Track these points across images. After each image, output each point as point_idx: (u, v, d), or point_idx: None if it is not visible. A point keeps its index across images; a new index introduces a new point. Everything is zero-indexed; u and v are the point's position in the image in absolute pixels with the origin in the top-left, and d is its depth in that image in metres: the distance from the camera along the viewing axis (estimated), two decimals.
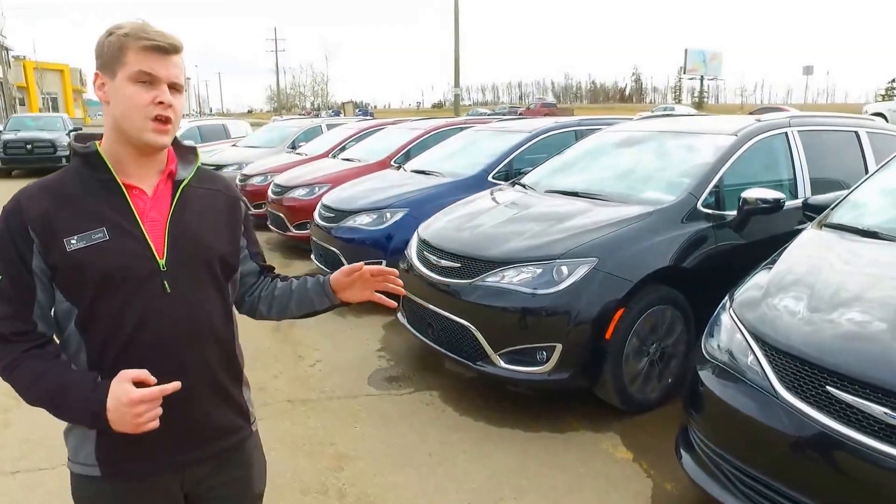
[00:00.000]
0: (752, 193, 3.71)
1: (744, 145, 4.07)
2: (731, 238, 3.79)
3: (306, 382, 4.20)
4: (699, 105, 55.86)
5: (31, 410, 1.38)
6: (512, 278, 3.49)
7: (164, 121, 1.26)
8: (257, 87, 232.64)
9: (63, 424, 1.36)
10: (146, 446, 1.28)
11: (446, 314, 3.74)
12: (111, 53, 1.25)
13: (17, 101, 50.16)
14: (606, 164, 4.82)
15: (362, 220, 5.67)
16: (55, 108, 49.54)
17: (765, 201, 3.67)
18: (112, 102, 1.27)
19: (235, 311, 1.52)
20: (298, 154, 10.89)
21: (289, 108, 72.42)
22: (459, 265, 3.75)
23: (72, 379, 1.24)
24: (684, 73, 67.06)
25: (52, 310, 1.29)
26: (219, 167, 12.04)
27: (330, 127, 13.04)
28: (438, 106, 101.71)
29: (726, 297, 2.82)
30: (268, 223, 8.65)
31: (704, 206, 3.77)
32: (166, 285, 1.29)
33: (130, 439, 1.22)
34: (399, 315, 4.52)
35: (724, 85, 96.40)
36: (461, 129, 8.65)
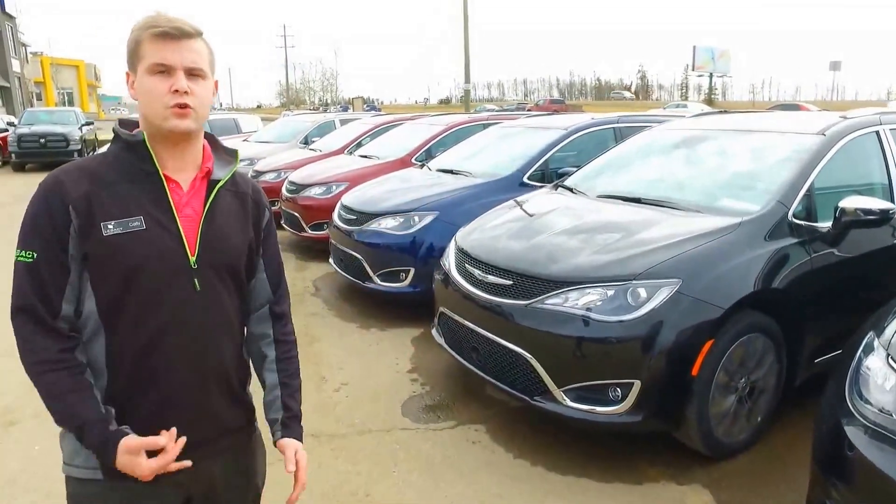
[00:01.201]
0: (852, 203, 3.14)
1: (834, 146, 3.47)
2: (826, 254, 3.21)
3: (332, 412, 3.65)
4: (709, 102, 54.97)
5: None
6: (577, 301, 2.93)
7: (183, 106, 1.23)
8: (266, 82, 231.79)
9: None
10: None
11: (497, 339, 3.19)
12: (131, 49, 1.26)
13: (34, 95, 50.14)
14: (667, 167, 4.24)
15: (387, 224, 5.11)
16: (70, 103, 49.33)
17: (869, 212, 3.09)
18: (139, 98, 1.26)
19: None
20: (312, 150, 10.33)
21: (297, 103, 71.77)
22: (511, 282, 3.19)
23: (88, 418, 1.21)
24: (692, 70, 66.02)
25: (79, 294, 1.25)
26: None
27: (343, 122, 12.48)
28: (445, 102, 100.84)
29: (870, 334, 2.19)
30: (282, 222, 8.11)
31: (795, 217, 3.20)
32: (197, 283, 1.28)
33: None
34: (434, 332, 3.97)
35: (730, 82, 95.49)
36: (484, 125, 8.10)
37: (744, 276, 2.94)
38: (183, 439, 1.23)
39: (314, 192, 7.38)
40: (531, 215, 3.87)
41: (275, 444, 1.47)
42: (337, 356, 4.48)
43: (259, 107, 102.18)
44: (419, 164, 7.02)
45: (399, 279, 5.00)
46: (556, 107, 41.46)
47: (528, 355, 3.00)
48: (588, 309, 2.86)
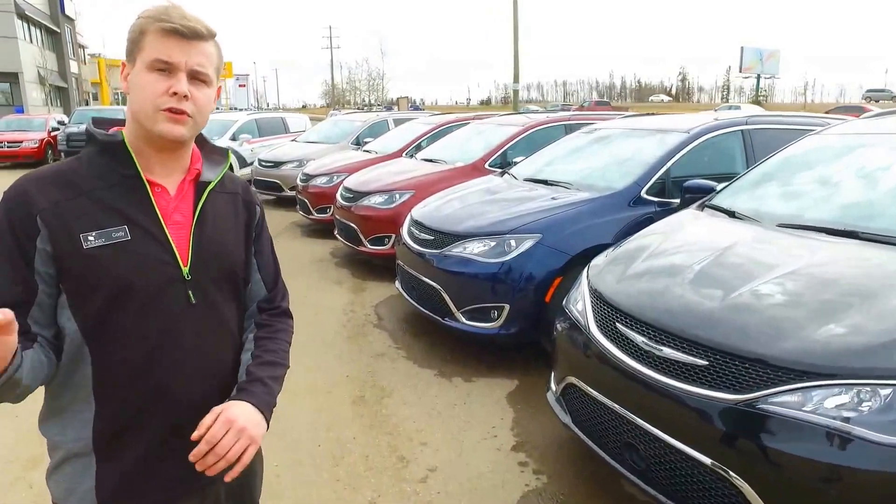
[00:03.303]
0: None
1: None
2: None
3: None
4: (758, 103, 52.37)
5: None
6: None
7: (179, 112, 1.08)
8: (312, 83, 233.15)
9: None
10: (161, 475, 1.13)
11: (678, 445, 2.07)
12: (133, 39, 1.11)
13: (91, 96, 50.89)
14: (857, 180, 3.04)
15: (474, 248, 4.01)
16: (123, 103, 49.83)
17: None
18: (130, 92, 1.11)
19: None
20: (366, 152, 9.32)
21: (342, 103, 71.26)
22: (708, 363, 2.06)
23: None
24: (740, 71, 63.02)
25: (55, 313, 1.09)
26: (277, 164, 10.63)
27: (397, 122, 11.45)
28: (486, 103, 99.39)
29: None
30: (335, 233, 7.11)
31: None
32: (191, 296, 1.14)
33: (141, 468, 1.11)
34: (553, 402, 2.93)
35: (771, 84, 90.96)
36: (565, 126, 6.96)
37: None
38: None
39: (374, 200, 6.34)
40: (703, 250, 2.72)
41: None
42: (415, 421, 3.41)
43: (304, 107, 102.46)
44: (497, 171, 5.92)
45: (489, 318, 3.90)
46: (602, 108, 39.88)
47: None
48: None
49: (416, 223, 4.64)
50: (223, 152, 1.28)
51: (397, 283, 4.92)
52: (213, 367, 1.18)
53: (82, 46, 50.57)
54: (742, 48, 60.65)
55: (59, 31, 43.97)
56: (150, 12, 1.09)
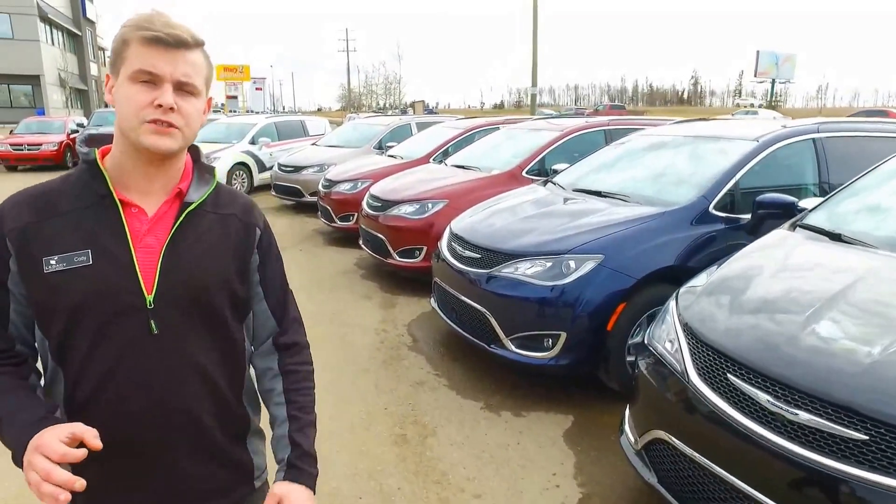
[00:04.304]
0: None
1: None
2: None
3: None
4: (774, 107, 51.40)
5: None
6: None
7: (163, 124, 1.02)
8: (328, 86, 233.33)
9: None
10: None
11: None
12: (116, 49, 1.03)
13: None
14: None
15: (527, 269, 3.59)
16: None
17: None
18: (116, 106, 1.04)
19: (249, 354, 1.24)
20: (391, 157, 8.92)
21: (357, 107, 70.96)
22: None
23: (27, 405, 1.02)
24: (755, 75, 62.04)
25: (33, 332, 1.09)
26: (297, 168, 10.27)
27: (421, 126, 11.05)
28: (500, 107, 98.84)
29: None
30: (360, 243, 6.72)
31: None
32: (153, 325, 1.05)
33: (100, 495, 1.04)
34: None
35: (785, 88, 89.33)
36: (605, 132, 6.53)
37: None
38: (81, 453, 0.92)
39: (404, 210, 5.94)
40: (822, 285, 2.28)
41: (272, 485, 1.17)
42: (465, 466, 2.99)
43: (319, 110, 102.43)
44: (537, 179, 5.49)
45: (542, 347, 3.48)
46: (616, 112, 39.33)
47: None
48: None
49: (458, 238, 4.22)
50: (210, 170, 1.18)
51: (434, 302, 4.50)
52: (170, 404, 1.08)
53: (102, 49, 50.71)
54: (758, 52, 59.72)
55: (80, 33, 44.15)
56: (132, 21, 1.02)
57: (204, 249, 1.11)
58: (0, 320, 1.05)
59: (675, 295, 2.63)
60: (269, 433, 1.27)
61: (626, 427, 2.61)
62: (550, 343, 3.46)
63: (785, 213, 3.55)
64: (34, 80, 35.99)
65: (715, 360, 2.10)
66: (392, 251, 5.93)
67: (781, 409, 1.81)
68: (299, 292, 6.03)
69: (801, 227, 2.94)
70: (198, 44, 1.05)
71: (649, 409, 2.40)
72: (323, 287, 6.02)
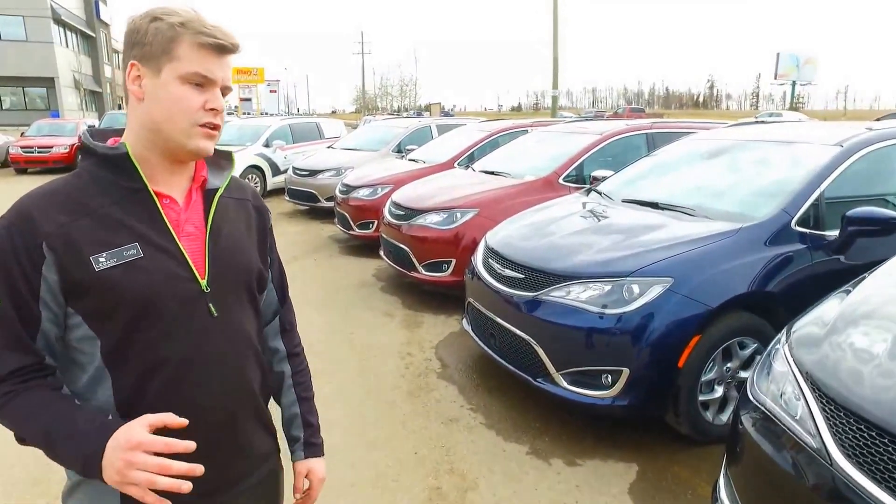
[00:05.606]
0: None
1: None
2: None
3: None
4: (795, 110, 50.40)
5: None
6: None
7: (214, 128, 1.05)
8: (342, 88, 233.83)
9: None
10: (184, 495, 0.94)
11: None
12: (159, 44, 1.01)
13: (123, 100, 51.24)
14: None
15: (581, 294, 3.09)
16: None
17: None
18: (150, 101, 1.03)
19: None
20: (412, 161, 8.47)
21: (372, 109, 70.67)
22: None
23: (78, 413, 0.98)
24: (775, 77, 60.88)
25: (62, 339, 1.04)
26: (313, 172, 9.85)
27: (441, 129, 10.58)
28: (517, 109, 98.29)
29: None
30: (381, 253, 6.26)
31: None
32: (212, 308, 1.07)
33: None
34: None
35: (806, 91, 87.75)
36: (646, 136, 6.03)
37: None
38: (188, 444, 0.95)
39: (430, 220, 5.47)
40: None
41: (294, 462, 1.34)
42: (497, 495, 2.51)
43: (334, 112, 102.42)
44: (576, 187, 5.00)
45: (600, 384, 2.99)
46: (636, 115, 38.71)
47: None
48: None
49: (496, 254, 3.73)
50: (228, 156, 1.19)
51: (467, 325, 4.02)
52: (237, 380, 1.12)
53: (116, 51, 50.84)
54: (778, 54, 58.78)
55: (94, 35, 44.25)
56: (181, 18, 1.01)
57: (236, 233, 1.16)
58: (29, 333, 1.00)
59: (784, 334, 2.13)
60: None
61: (723, 496, 2.11)
62: (610, 380, 2.97)
63: (883, 230, 3.05)
64: (49, 82, 36.04)
65: (866, 435, 1.59)
66: (417, 264, 5.46)
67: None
68: (312, 307, 5.43)
69: None
70: (240, 48, 1.08)
71: (765, 490, 1.89)
72: (338, 302, 5.56)
